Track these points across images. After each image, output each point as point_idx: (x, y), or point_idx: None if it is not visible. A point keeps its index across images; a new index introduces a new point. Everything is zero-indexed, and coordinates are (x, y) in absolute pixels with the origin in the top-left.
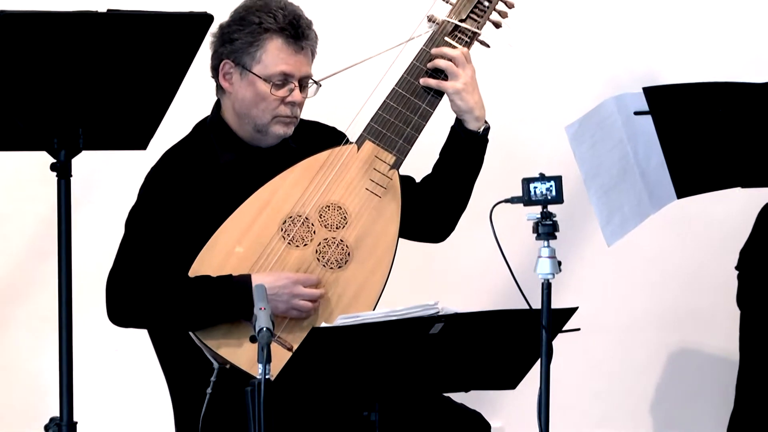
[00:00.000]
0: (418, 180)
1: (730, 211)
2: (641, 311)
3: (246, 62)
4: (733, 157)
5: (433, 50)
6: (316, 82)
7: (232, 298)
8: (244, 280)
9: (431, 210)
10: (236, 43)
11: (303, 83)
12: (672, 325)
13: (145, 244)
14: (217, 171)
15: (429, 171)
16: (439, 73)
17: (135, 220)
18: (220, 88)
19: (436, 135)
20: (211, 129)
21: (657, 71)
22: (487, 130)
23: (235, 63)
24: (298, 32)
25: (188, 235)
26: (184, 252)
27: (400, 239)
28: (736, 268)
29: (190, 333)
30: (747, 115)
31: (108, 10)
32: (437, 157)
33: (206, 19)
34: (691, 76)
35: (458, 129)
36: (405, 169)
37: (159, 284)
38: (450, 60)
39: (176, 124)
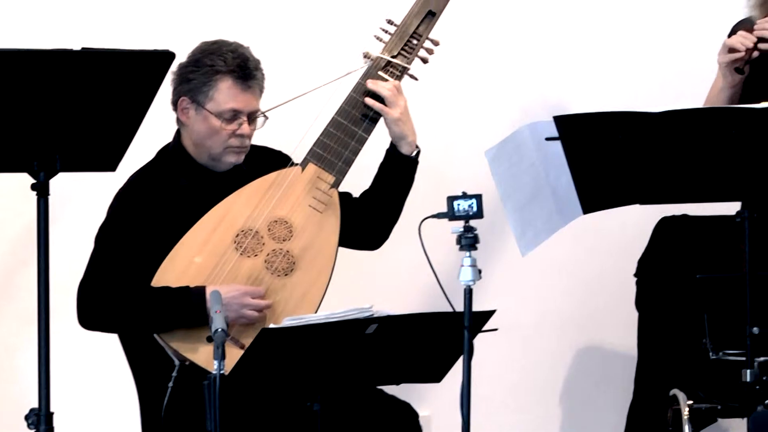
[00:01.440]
0: (356, 195)
1: (629, 224)
2: (551, 312)
3: (200, 100)
4: (632, 178)
5: (369, 83)
6: (264, 114)
7: (188, 307)
8: (200, 291)
9: (368, 221)
10: (192, 82)
11: (251, 117)
12: (578, 324)
13: (112, 257)
14: (178, 192)
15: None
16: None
17: (104, 235)
18: (179, 120)
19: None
20: (173, 154)
21: (566, 101)
22: (418, 153)
23: (192, 100)
24: (245, 73)
25: (152, 248)
26: (147, 264)
27: (340, 248)
28: (635, 275)
29: (154, 334)
30: (645, 141)
31: (82, 48)
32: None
33: (168, 56)
34: (595, 105)
35: (393, 152)
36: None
37: (124, 293)
38: (386, 92)
39: (143, 148)
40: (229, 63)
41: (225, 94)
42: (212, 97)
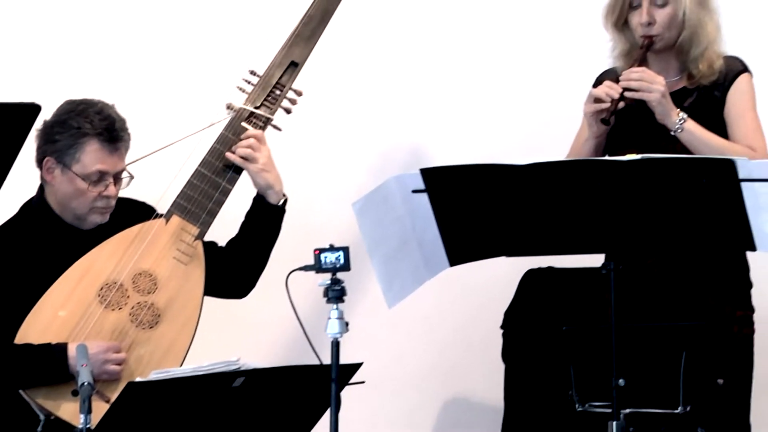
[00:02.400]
0: (222, 243)
1: (496, 276)
2: (419, 364)
3: (67, 161)
4: (498, 230)
5: (233, 134)
6: (129, 174)
7: (50, 364)
8: (61, 348)
9: (234, 270)
10: (58, 143)
11: (117, 177)
12: (445, 376)
13: None
14: (42, 247)
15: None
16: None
17: None
18: (43, 178)
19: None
20: (36, 211)
21: (430, 153)
22: (285, 201)
23: (57, 161)
24: (113, 135)
25: (14, 304)
26: (10, 320)
27: (207, 300)
28: (501, 327)
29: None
30: (510, 193)
31: None
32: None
33: (34, 108)
34: (458, 154)
35: (259, 200)
36: None
37: None
38: (249, 143)
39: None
40: (96, 125)
41: (92, 156)
42: (79, 160)
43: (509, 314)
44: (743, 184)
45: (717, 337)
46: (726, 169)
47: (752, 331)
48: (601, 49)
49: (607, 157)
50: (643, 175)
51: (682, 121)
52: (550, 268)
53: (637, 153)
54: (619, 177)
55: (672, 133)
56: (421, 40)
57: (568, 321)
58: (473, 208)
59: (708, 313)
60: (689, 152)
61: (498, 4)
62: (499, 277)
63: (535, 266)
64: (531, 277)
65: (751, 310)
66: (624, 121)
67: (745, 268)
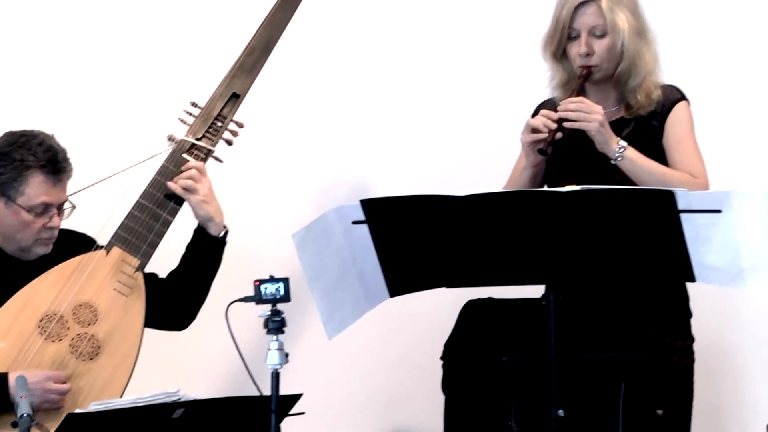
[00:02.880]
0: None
1: (436, 307)
2: (359, 395)
3: (10, 194)
4: (438, 261)
5: (173, 166)
6: (72, 204)
7: None
8: (1, 379)
9: (175, 302)
10: (1, 177)
11: (60, 207)
12: (385, 407)
13: None
14: None
15: None
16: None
17: None
18: None
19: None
20: None
21: (371, 185)
22: (226, 233)
23: (1, 194)
24: (56, 167)
25: None
26: None
27: (147, 331)
28: (441, 358)
29: None
30: (450, 224)
31: None
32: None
33: None
34: (400, 189)
35: (200, 232)
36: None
37: None
38: (190, 175)
39: None
40: (39, 157)
41: (36, 188)
42: (23, 192)
43: (449, 345)
44: (682, 215)
45: (657, 368)
46: (665, 200)
47: (692, 361)
48: (540, 79)
49: (546, 188)
50: (582, 206)
51: (622, 149)
52: (490, 299)
53: (577, 182)
54: (559, 208)
55: (612, 161)
56: (362, 72)
57: (508, 352)
58: (413, 239)
59: (648, 343)
60: (629, 180)
61: (435, 38)
62: (439, 307)
63: (476, 297)
64: (471, 308)
65: (691, 339)
66: (564, 150)
67: (684, 297)
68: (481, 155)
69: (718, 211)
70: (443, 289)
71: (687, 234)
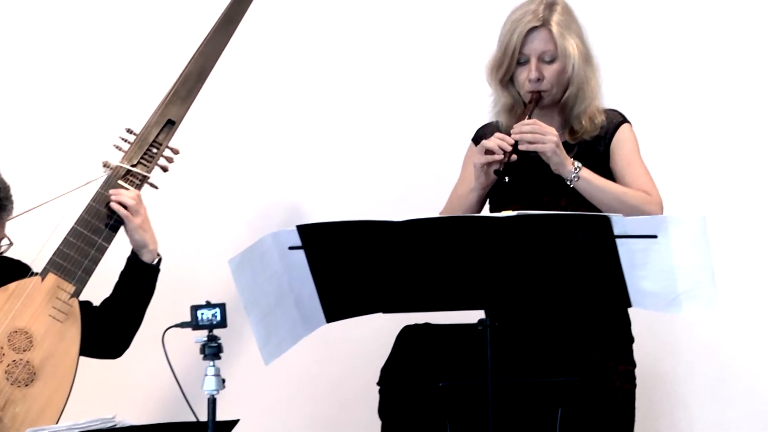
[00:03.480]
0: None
1: (372, 332)
2: (296, 421)
3: None
4: (374, 286)
5: (110, 192)
6: (10, 240)
7: None
8: None
9: (109, 330)
10: None
11: None
12: (322, 431)
13: None
14: None
15: None
16: (115, 213)
17: None
18: None
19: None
20: None
21: (307, 210)
22: (159, 261)
23: None
24: None
25: None
26: None
27: (83, 357)
28: (378, 383)
29: None
30: (386, 250)
31: None
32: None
33: None
34: (337, 212)
35: (134, 260)
36: None
37: None
38: (125, 201)
39: None
40: None
41: None
42: None
43: (386, 370)
44: (618, 241)
45: (599, 392)
46: (601, 225)
47: (633, 387)
48: (480, 103)
49: (483, 214)
50: (519, 232)
51: (578, 170)
52: (426, 324)
53: (522, 208)
54: (496, 233)
55: (568, 182)
56: (298, 97)
57: (444, 377)
58: (350, 264)
59: (592, 367)
60: (574, 206)
61: (366, 62)
62: (376, 333)
63: (412, 322)
64: (407, 333)
65: (633, 365)
66: (508, 176)
67: (626, 322)
68: (418, 180)
69: (654, 237)
70: (380, 315)
71: (623, 259)
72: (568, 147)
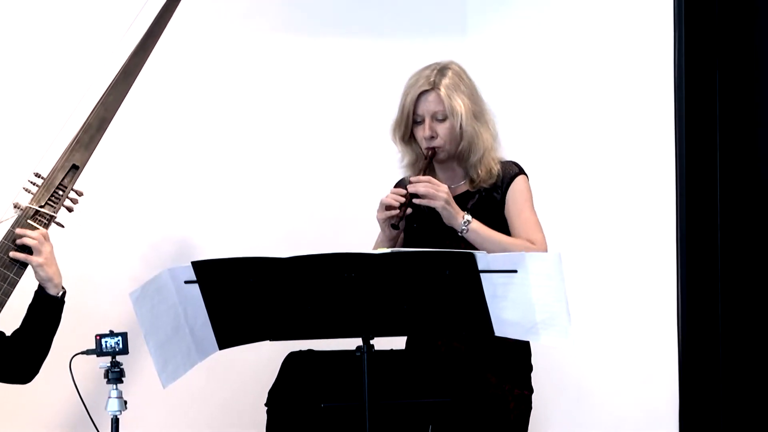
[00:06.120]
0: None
1: (260, 358)
2: None
3: None
4: (262, 317)
5: (18, 230)
6: None
7: None
8: None
9: (18, 358)
10: None
11: None
12: None
13: None
14: None
15: None
16: (25, 249)
17: None
18: None
19: None
20: None
21: (197, 244)
22: (64, 294)
23: None
24: None
25: None
26: None
27: None
28: (266, 404)
29: None
30: (274, 283)
31: None
32: None
33: None
34: (226, 246)
35: (40, 293)
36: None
37: None
38: (33, 239)
39: None
40: None
41: None
42: None
43: (273, 392)
44: (482, 275)
45: (472, 412)
46: (467, 261)
47: (528, 410)
48: (393, 158)
49: (362, 251)
50: (394, 267)
51: (467, 222)
52: (309, 351)
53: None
54: (373, 268)
55: (459, 233)
56: (191, 136)
57: (326, 398)
58: (240, 297)
59: (488, 390)
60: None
61: (262, 95)
62: (264, 359)
63: (296, 349)
64: (292, 359)
65: (530, 390)
66: (416, 223)
67: (527, 352)
68: (309, 217)
69: (514, 271)
70: (267, 342)
71: (486, 291)
72: (469, 195)
